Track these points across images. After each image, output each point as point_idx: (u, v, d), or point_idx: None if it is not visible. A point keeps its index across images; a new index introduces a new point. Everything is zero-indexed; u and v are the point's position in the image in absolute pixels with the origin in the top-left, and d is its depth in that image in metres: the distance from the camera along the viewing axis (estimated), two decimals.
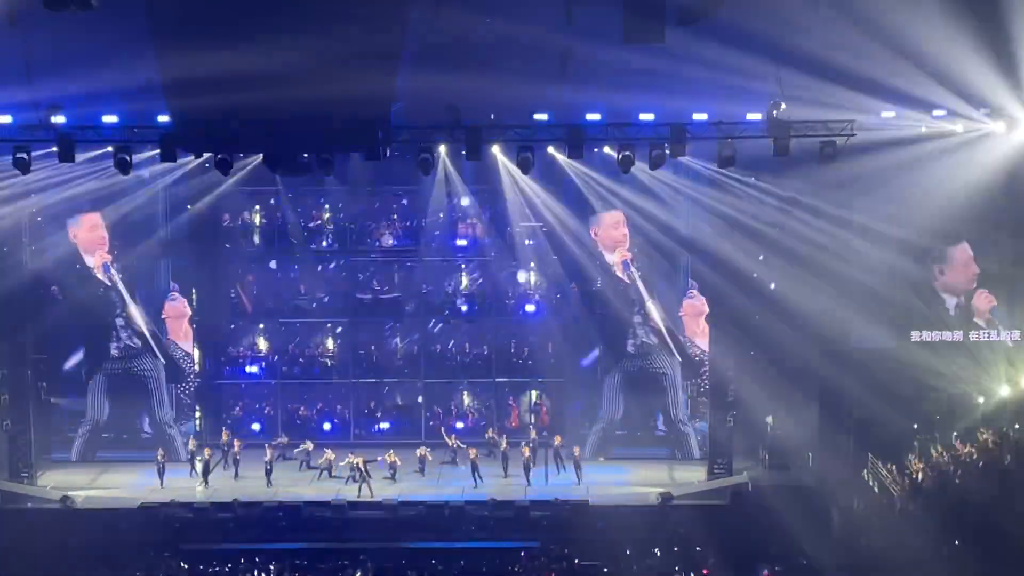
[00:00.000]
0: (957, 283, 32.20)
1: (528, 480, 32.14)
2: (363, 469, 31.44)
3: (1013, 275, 31.65)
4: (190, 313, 35.54)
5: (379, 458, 32.35)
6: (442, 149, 30.61)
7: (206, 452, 33.02)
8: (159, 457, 32.69)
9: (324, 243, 36.26)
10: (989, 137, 28.25)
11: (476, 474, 32.13)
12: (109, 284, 34.75)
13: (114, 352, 35.35)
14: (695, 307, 34.65)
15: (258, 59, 21.42)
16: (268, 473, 32.33)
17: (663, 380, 35.20)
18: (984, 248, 31.79)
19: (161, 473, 32.47)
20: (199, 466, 32.76)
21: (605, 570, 27.38)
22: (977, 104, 27.68)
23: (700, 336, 34.49)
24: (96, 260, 34.57)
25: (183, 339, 35.64)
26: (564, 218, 34.41)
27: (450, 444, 33.93)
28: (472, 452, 32.48)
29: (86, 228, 34.35)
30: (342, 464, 32.04)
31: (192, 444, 33.87)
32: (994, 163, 28.57)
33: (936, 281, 32.16)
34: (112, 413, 35.43)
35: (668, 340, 34.78)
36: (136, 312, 35.08)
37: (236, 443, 33.49)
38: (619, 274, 34.71)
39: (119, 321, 35.15)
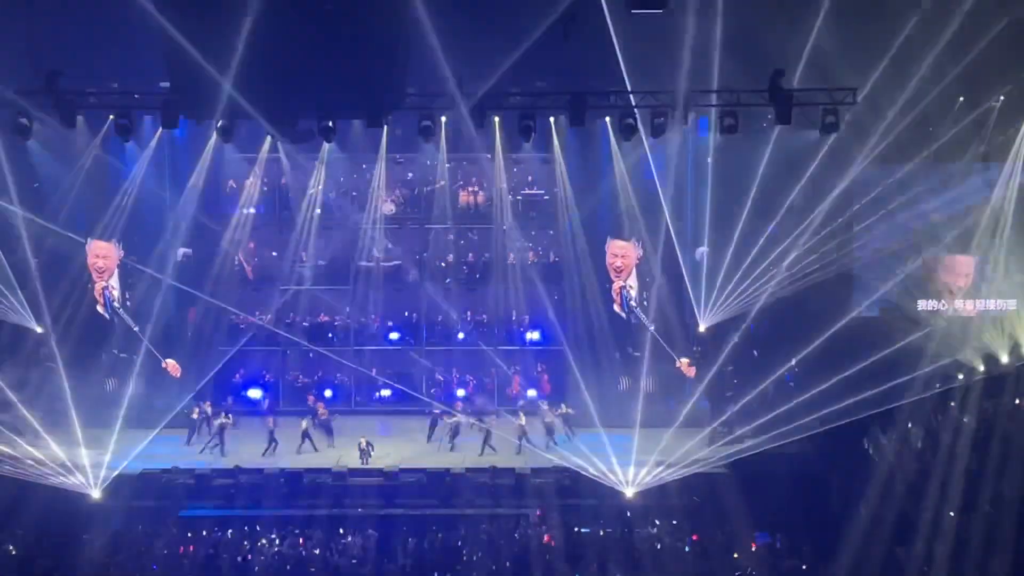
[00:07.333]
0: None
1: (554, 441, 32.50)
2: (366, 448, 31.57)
3: None
4: None
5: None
6: (443, 117, 30.50)
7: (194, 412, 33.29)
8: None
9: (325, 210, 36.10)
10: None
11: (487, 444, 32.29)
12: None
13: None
14: None
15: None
16: (273, 442, 32.36)
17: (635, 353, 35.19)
18: None
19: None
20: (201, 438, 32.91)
21: (605, 537, 27.52)
22: None
23: None
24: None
25: None
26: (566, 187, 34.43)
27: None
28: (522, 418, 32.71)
29: (91, 255, 33.89)
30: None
31: (195, 413, 33.78)
32: None
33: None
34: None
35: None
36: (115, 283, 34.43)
37: (229, 417, 33.21)
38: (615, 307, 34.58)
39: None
